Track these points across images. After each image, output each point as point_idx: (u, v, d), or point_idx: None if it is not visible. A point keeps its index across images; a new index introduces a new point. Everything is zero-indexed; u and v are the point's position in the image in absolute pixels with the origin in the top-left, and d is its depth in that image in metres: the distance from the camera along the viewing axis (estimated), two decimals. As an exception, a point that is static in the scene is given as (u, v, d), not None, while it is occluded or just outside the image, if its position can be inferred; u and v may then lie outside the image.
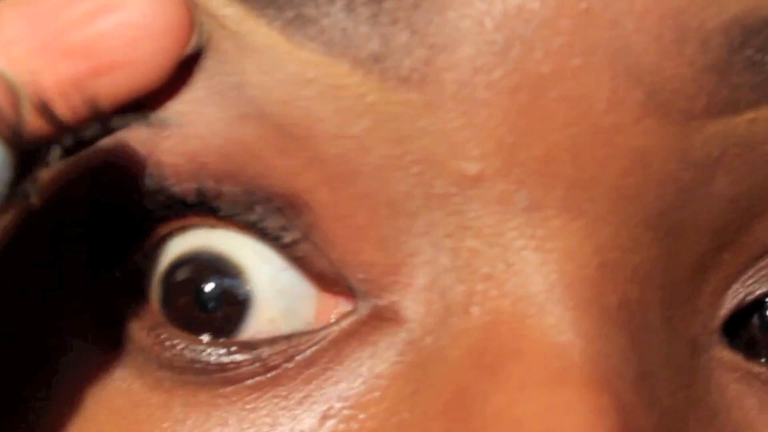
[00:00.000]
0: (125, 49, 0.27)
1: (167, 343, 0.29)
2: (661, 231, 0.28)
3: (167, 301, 0.30)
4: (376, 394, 0.28)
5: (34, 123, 0.26)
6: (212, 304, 0.29)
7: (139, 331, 0.29)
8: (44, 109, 0.26)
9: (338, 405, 0.28)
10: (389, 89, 0.27)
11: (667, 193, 0.28)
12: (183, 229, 0.29)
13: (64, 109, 0.27)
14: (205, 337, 0.29)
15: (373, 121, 0.27)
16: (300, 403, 0.28)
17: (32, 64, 0.27)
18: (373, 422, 0.28)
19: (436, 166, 0.27)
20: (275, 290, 0.29)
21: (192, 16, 0.27)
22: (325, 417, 0.28)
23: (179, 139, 0.28)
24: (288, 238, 0.28)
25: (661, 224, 0.28)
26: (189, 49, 0.28)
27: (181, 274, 0.30)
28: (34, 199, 0.26)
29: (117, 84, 0.27)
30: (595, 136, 0.27)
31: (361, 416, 0.28)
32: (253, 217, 0.28)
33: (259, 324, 0.29)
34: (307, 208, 0.28)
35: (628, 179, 0.27)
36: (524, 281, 0.27)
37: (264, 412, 0.29)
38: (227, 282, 0.29)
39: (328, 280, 0.29)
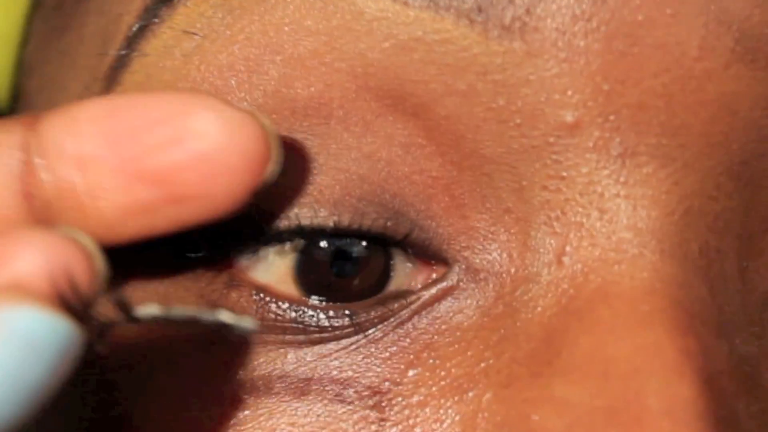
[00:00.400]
0: (201, 183, 0.27)
1: (273, 305, 0.29)
2: (743, 181, 0.29)
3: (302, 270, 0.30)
4: (462, 344, 0.29)
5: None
6: (350, 269, 0.30)
7: (241, 300, 0.30)
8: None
9: (425, 355, 0.29)
10: (492, 39, 0.28)
11: (751, 141, 0.28)
12: None
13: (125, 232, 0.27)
14: (313, 299, 0.30)
15: (476, 74, 0.28)
16: (389, 356, 0.29)
17: (107, 182, 0.27)
18: (458, 370, 0.29)
19: (536, 115, 0.28)
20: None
21: (270, 147, 0.27)
22: (411, 365, 0.29)
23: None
24: (398, 236, 0.29)
25: (743, 173, 0.29)
26: (265, 180, 0.27)
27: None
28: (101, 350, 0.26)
29: (188, 213, 0.27)
30: (686, 83, 0.28)
31: (447, 364, 0.29)
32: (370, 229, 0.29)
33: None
34: (421, 195, 0.29)
35: (716, 126, 0.28)
36: (615, 229, 0.28)
37: (350, 361, 0.29)
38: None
39: (426, 253, 0.29)
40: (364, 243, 0.29)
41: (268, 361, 0.29)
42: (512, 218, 0.29)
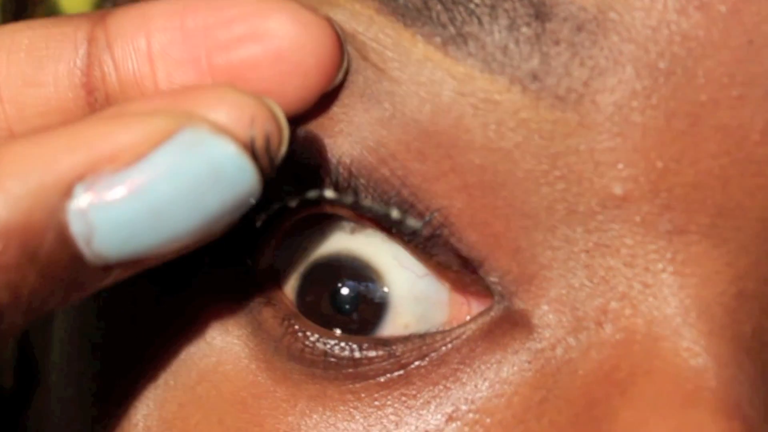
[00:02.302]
0: (274, 80, 0.27)
1: (300, 335, 0.29)
2: None
3: (303, 298, 0.30)
4: (503, 399, 0.29)
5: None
6: (348, 306, 0.30)
7: (271, 319, 0.30)
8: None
9: (464, 408, 0.29)
10: (544, 107, 0.27)
11: None
12: (322, 229, 0.30)
13: None
14: (339, 332, 0.30)
15: (523, 137, 0.28)
16: (427, 403, 0.29)
17: (178, 76, 0.27)
18: (498, 428, 0.28)
19: (582, 183, 0.28)
20: (412, 297, 0.30)
21: (342, 54, 0.28)
22: (450, 419, 0.29)
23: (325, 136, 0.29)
24: (422, 235, 0.29)
25: None
26: (332, 86, 0.28)
27: (320, 274, 0.30)
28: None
29: None
30: (746, 167, 0.27)
31: (487, 421, 0.29)
32: (388, 213, 0.29)
33: (394, 328, 0.30)
34: (442, 211, 0.28)
35: None
36: (660, 303, 0.28)
37: (390, 410, 0.29)
38: (364, 286, 0.30)
39: (464, 281, 0.29)
40: (385, 288, 0.29)
41: (293, 398, 0.29)
42: (548, 274, 0.28)
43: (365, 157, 0.28)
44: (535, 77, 0.27)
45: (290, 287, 0.30)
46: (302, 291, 0.30)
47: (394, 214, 0.29)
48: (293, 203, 0.29)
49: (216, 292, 0.30)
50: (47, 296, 0.26)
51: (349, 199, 0.29)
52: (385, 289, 0.30)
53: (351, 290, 0.30)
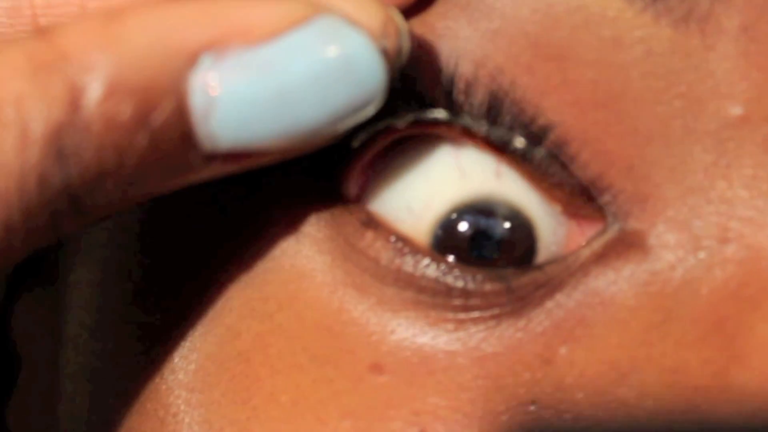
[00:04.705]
0: None
1: (409, 258, 0.28)
2: None
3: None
4: (620, 323, 0.28)
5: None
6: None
7: (375, 242, 0.28)
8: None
9: (578, 332, 0.28)
10: (663, 26, 0.27)
11: None
12: (428, 149, 0.29)
13: None
14: (452, 258, 0.28)
15: (640, 54, 0.27)
16: (542, 331, 0.28)
17: None
18: (618, 352, 0.28)
19: (700, 103, 0.27)
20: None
21: None
22: (566, 342, 0.28)
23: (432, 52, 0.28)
24: (537, 155, 0.28)
25: None
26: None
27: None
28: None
29: None
30: None
31: (604, 344, 0.28)
32: (499, 132, 0.28)
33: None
34: (554, 128, 0.28)
35: None
36: None
37: (499, 334, 0.28)
38: (484, 222, 0.29)
39: (575, 202, 0.28)
40: (507, 224, 0.28)
41: (389, 325, 0.28)
42: (664, 194, 0.28)
43: (479, 73, 0.28)
44: None
45: (394, 210, 0.29)
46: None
47: (505, 132, 0.28)
48: (401, 124, 0.28)
49: (296, 212, 0.29)
50: (148, 173, 0.25)
51: (465, 120, 0.28)
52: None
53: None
